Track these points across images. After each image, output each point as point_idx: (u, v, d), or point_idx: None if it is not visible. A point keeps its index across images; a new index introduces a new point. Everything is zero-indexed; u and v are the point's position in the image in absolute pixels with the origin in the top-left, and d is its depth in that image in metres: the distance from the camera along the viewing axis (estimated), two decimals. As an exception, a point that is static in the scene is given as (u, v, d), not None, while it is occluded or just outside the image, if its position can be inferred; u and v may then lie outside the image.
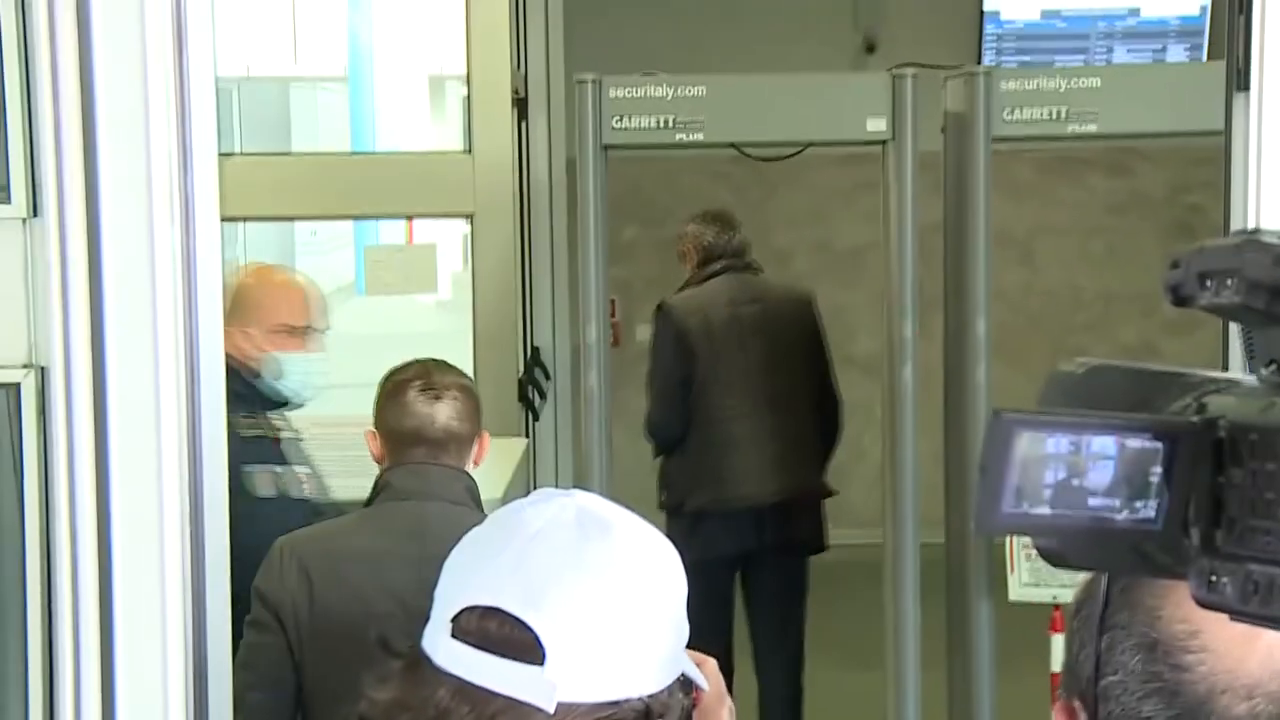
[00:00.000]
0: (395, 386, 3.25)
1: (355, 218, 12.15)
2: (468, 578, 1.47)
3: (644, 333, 9.22)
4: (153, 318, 1.81)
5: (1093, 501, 0.92)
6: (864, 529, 6.87)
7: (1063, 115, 5.24)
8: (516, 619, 1.43)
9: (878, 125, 5.23)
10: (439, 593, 1.51)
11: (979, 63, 8.50)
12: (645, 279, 9.21)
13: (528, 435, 7.27)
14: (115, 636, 1.91)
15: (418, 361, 3.34)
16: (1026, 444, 0.92)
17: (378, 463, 3.30)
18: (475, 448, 3.30)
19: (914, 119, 5.24)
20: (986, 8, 8.97)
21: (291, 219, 11.70)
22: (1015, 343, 8.89)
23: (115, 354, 1.80)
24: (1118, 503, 0.92)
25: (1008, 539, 5.23)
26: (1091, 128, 5.27)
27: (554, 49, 8.23)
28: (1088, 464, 0.92)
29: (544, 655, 1.42)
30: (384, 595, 3.04)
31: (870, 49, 9.16)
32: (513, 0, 7.59)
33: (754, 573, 5.93)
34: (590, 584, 1.44)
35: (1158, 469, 0.92)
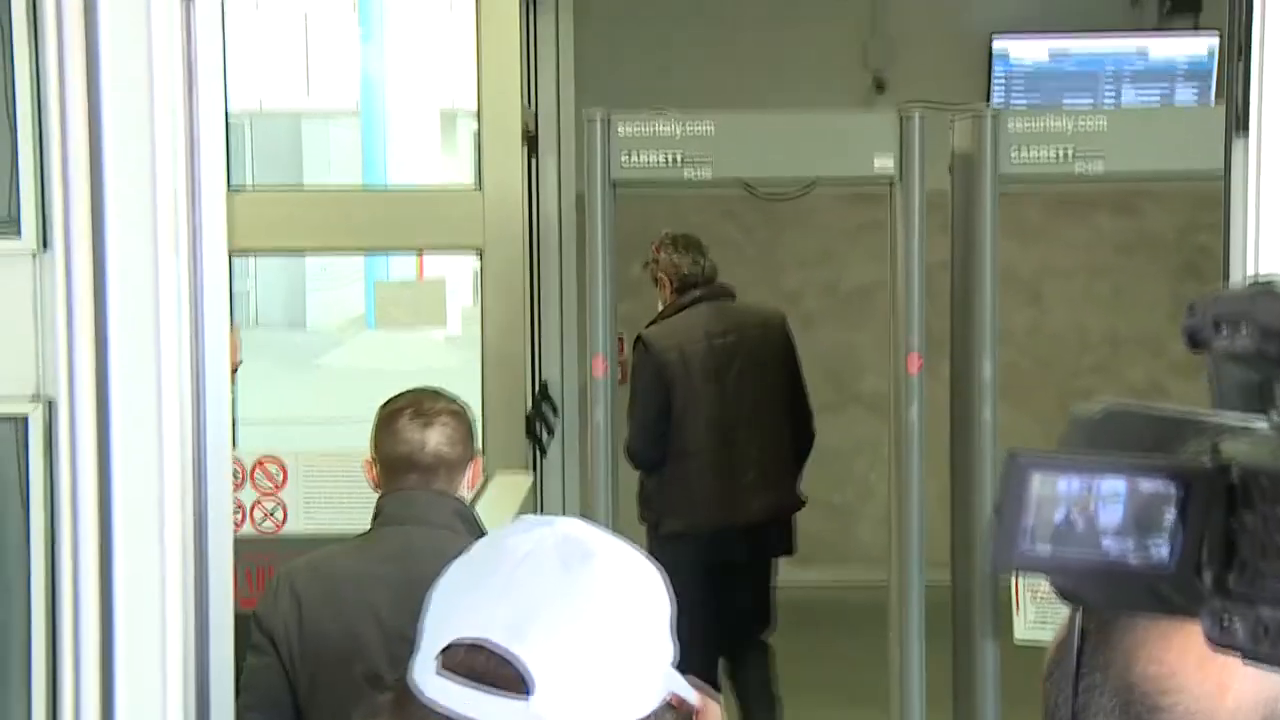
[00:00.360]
0: (388, 415, 3.34)
1: (366, 252, 12.18)
2: (453, 611, 1.49)
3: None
4: (156, 351, 1.82)
5: (1106, 543, 0.94)
6: (871, 568, 6.86)
7: (1069, 155, 5.27)
8: (503, 652, 1.44)
9: (885, 163, 5.25)
10: (425, 625, 1.52)
11: (988, 102, 8.53)
12: (650, 316, 9.22)
13: (535, 470, 7.27)
14: (116, 667, 1.92)
15: (411, 391, 3.43)
16: (1039, 485, 0.93)
17: (375, 490, 3.39)
18: (468, 472, 3.38)
19: (921, 158, 5.26)
20: (995, 48, 9.00)
21: (302, 253, 11.71)
22: (1022, 383, 8.89)
23: (120, 387, 1.82)
24: (1131, 544, 0.94)
25: (1013, 579, 5.23)
26: (1098, 168, 5.30)
27: (564, 86, 8.27)
28: (1100, 505, 0.93)
29: (530, 687, 1.43)
30: (366, 618, 3.11)
31: (880, 88, 9.19)
32: (524, 37, 7.62)
33: (728, 580, 6.08)
34: (575, 613, 1.46)
35: (1171, 511, 0.93)
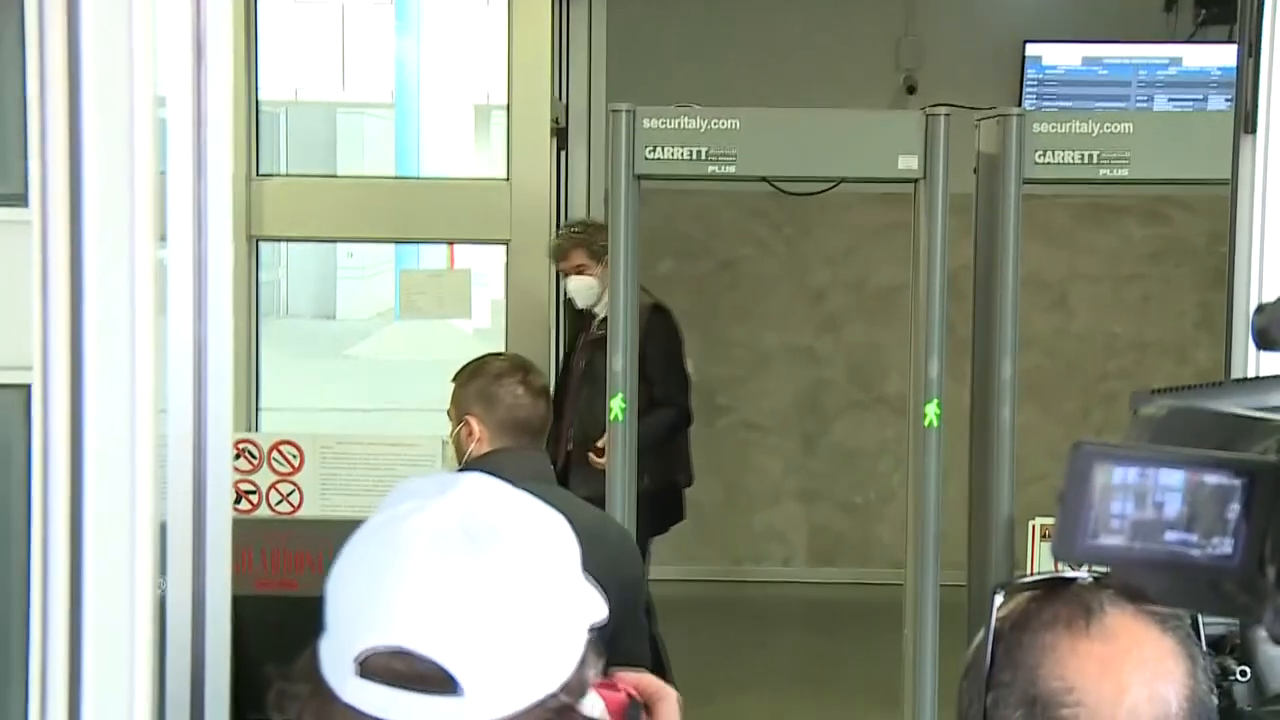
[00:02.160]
0: (496, 377, 3.63)
1: (393, 241, 12.22)
2: (362, 611, 1.43)
3: (676, 365, 9.24)
4: (130, 327, 1.82)
5: (1170, 536, 0.93)
6: (894, 569, 6.86)
7: (1094, 159, 5.26)
8: (427, 656, 1.40)
9: (909, 163, 5.24)
10: (331, 618, 1.46)
11: (1019, 107, 8.51)
12: (680, 312, 9.21)
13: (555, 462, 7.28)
14: (84, 661, 1.92)
15: (501, 355, 3.80)
16: (1103, 475, 0.93)
17: (466, 447, 3.61)
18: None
19: (945, 158, 5.25)
20: (1028, 53, 8.97)
21: (330, 240, 11.75)
22: (1047, 386, 8.87)
23: (94, 363, 1.81)
24: (1195, 538, 0.93)
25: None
26: (1123, 173, 5.29)
27: (596, 80, 8.28)
28: (1164, 498, 0.93)
29: (460, 687, 1.40)
30: None
31: (911, 90, 9.17)
32: (556, 31, 7.63)
33: None
34: (493, 599, 1.41)
35: (1235, 506, 0.93)
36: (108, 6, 1.73)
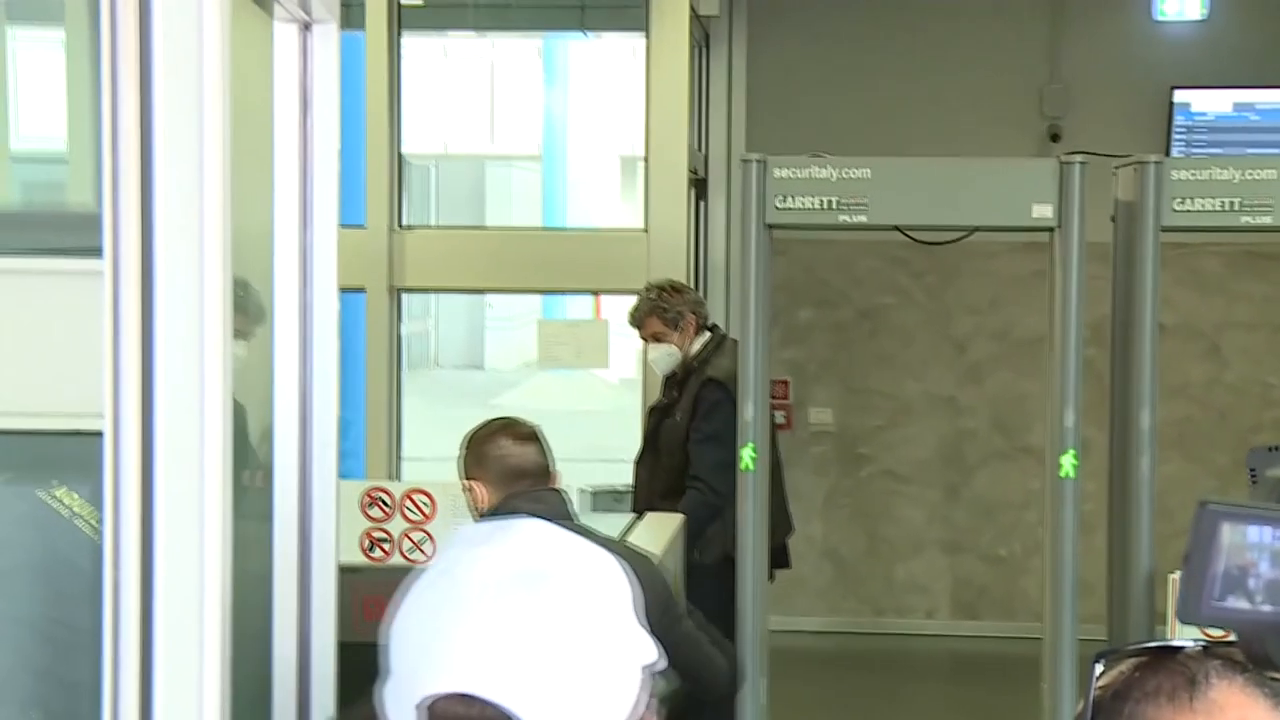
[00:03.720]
0: (485, 438, 3.81)
1: (532, 292, 12.31)
2: (424, 659, 1.48)
3: (816, 415, 9.21)
4: (200, 374, 1.85)
5: None
6: (1039, 623, 6.76)
7: (1236, 206, 5.15)
8: (488, 701, 1.43)
9: (1043, 212, 5.18)
10: (396, 665, 1.51)
11: (1168, 154, 8.38)
12: (819, 361, 9.20)
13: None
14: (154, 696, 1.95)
15: (494, 419, 3.94)
16: (1230, 534, 0.90)
17: (479, 508, 3.74)
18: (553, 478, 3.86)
19: (1082, 206, 5.18)
20: (1177, 99, 8.84)
21: (471, 292, 11.87)
22: (1200, 438, 8.69)
23: (164, 410, 1.84)
24: None
25: (1168, 636, 5.12)
26: (1266, 220, 5.18)
27: (735, 131, 8.31)
28: None
29: None
30: None
31: (1055, 138, 9.08)
32: (696, 83, 7.67)
33: None
34: (546, 642, 1.45)
35: None
36: (178, 60, 1.77)
